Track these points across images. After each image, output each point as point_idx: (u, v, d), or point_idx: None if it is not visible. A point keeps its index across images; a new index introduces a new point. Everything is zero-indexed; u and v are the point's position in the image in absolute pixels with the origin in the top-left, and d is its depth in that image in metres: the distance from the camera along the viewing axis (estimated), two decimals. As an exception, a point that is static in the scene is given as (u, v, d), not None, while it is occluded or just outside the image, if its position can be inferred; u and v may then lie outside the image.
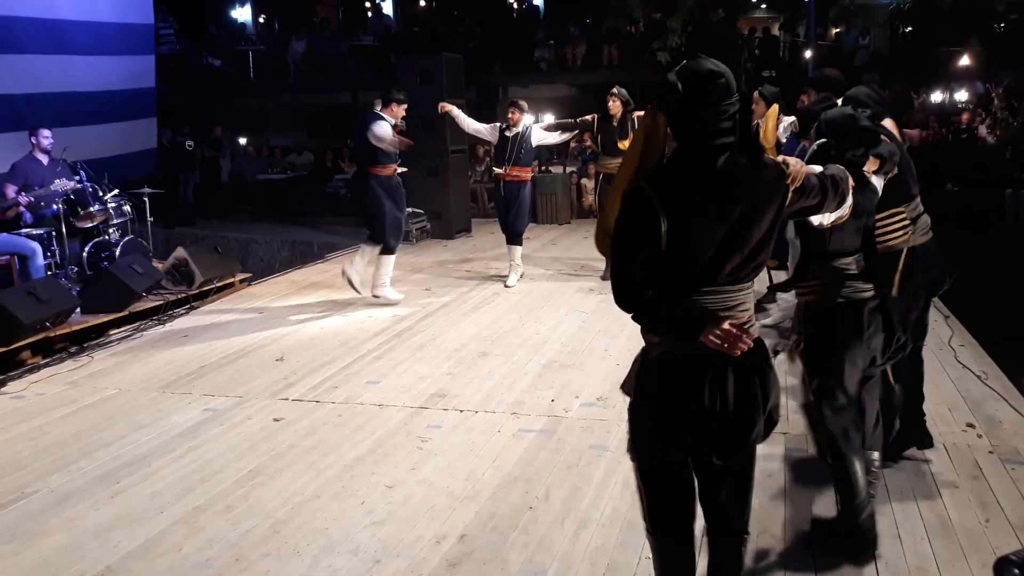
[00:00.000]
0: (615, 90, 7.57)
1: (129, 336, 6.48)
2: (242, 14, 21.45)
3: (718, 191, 2.09)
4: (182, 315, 7.10)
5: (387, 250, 6.97)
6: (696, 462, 2.26)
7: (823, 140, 2.95)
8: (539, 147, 7.86)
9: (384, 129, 6.65)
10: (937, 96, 14.86)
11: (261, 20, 21.97)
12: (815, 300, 3.00)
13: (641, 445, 2.27)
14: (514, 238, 7.75)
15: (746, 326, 2.16)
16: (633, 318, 2.20)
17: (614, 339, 5.82)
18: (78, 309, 6.59)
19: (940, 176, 11.53)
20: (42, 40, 9.59)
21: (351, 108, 17.13)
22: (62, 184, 7.13)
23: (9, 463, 4.08)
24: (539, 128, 7.67)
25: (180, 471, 3.93)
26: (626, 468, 3.77)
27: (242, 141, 17.48)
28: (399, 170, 7.18)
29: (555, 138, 7.91)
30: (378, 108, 6.85)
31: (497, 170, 7.66)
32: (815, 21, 13.52)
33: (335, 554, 3.14)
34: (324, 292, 7.79)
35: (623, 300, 2.18)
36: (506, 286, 7.68)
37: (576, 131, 7.95)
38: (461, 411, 4.58)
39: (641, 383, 2.27)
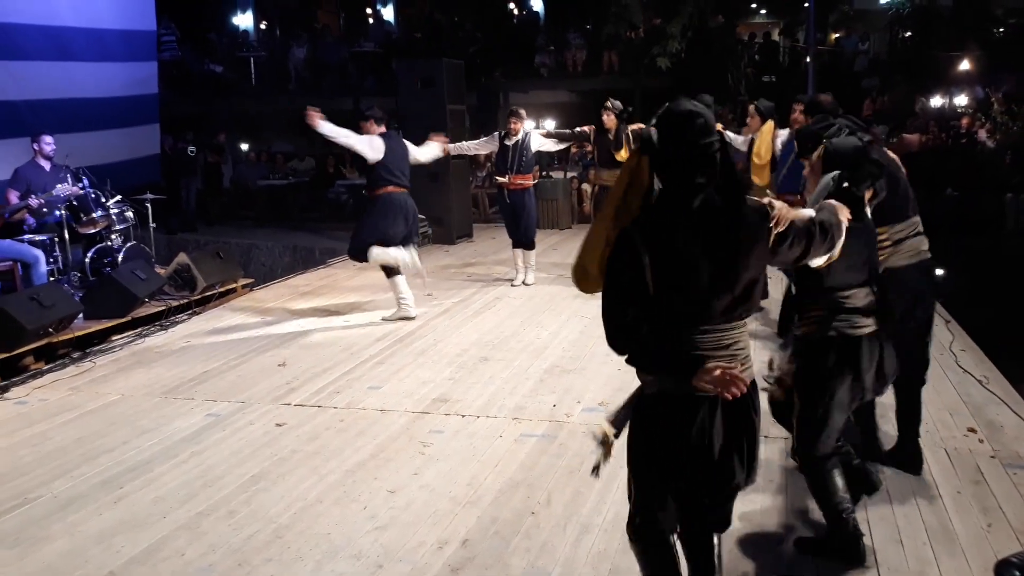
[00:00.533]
0: (609, 103, 7.67)
1: (132, 342, 6.49)
2: (243, 20, 21.50)
3: (700, 230, 2.12)
4: (184, 321, 7.11)
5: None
6: (685, 494, 2.33)
7: (837, 172, 2.86)
8: (538, 153, 7.96)
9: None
10: (937, 101, 14.88)
11: (263, 27, 22.03)
12: (810, 332, 2.99)
13: (636, 474, 2.36)
14: (529, 245, 7.96)
15: (743, 366, 2.21)
16: (627, 360, 2.23)
17: (615, 344, 5.82)
18: (81, 315, 6.61)
19: (940, 181, 11.55)
20: (44, 47, 9.62)
21: (352, 114, 17.16)
22: (65, 190, 7.15)
23: (12, 469, 4.09)
24: (538, 134, 7.76)
25: (182, 476, 3.94)
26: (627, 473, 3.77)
27: (244, 147, 17.52)
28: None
29: (552, 146, 8.02)
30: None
31: (500, 179, 7.73)
32: (815, 26, 13.55)
33: (338, 559, 3.14)
34: (326, 298, 7.80)
35: (615, 341, 2.21)
36: (525, 284, 7.93)
37: (572, 141, 8.09)
38: (463, 416, 4.59)
39: (637, 418, 2.32)
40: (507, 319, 6.70)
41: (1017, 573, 1.34)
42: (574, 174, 12.89)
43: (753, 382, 2.25)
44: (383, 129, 6.56)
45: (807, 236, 2.31)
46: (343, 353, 5.90)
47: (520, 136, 7.56)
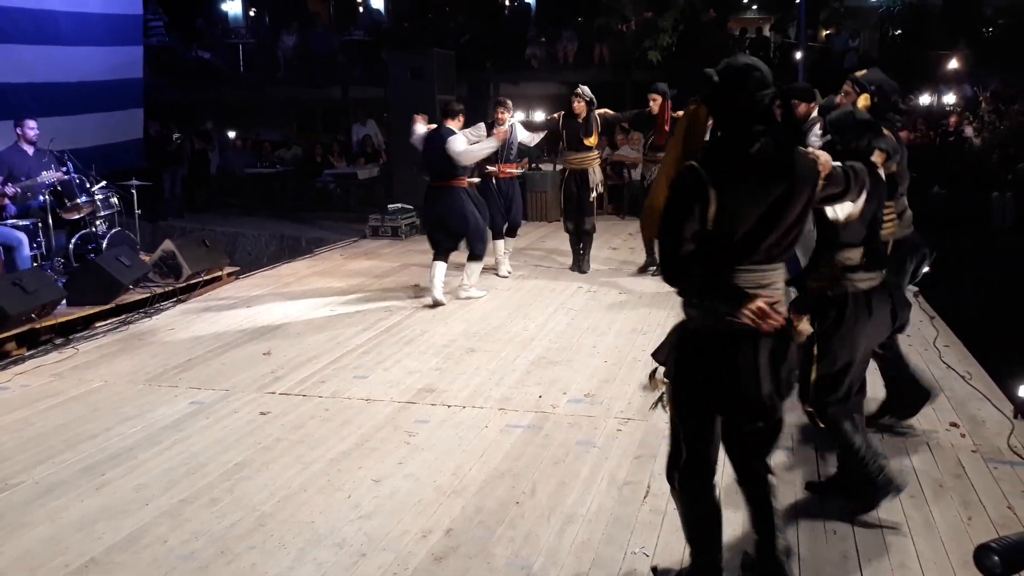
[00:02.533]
0: (579, 90, 7.82)
1: (115, 328, 6.44)
2: (232, 7, 21.32)
3: (759, 173, 2.35)
4: (169, 308, 7.06)
5: (476, 257, 7.03)
6: (727, 424, 2.54)
7: (828, 138, 3.19)
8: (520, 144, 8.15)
9: (459, 143, 6.69)
10: (925, 99, 14.95)
11: (252, 13, 21.85)
12: (822, 288, 3.16)
13: (680, 407, 2.54)
14: (514, 230, 8.12)
15: (776, 304, 2.39)
16: (678, 292, 2.45)
17: (602, 336, 5.83)
18: (64, 301, 6.55)
19: (927, 178, 11.60)
20: (28, 30, 9.51)
21: (341, 103, 17.05)
22: (48, 175, 7.08)
23: (-8, 454, 4.05)
24: (520, 127, 7.89)
25: (165, 464, 3.91)
26: (612, 464, 3.79)
27: (231, 135, 17.38)
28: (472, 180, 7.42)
29: (531, 139, 8.16)
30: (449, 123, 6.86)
31: (491, 168, 7.78)
32: (805, 23, 13.56)
33: (321, 547, 3.13)
34: (312, 287, 7.77)
35: (672, 274, 2.41)
36: (508, 273, 8.01)
37: (544, 131, 8.21)
38: (449, 406, 4.58)
39: (680, 353, 2.52)
40: (494, 310, 6.69)
41: (996, 558, 1.35)
42: (563, 166, 12.84)
43: (788, 316, 2.45)
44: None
45: (846, 181, 2.59)
46: (329, 342, 5.88)
47: (507, 126, 7.59)
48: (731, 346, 2.39)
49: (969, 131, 12.16)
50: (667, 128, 7.60)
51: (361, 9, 20.41)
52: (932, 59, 15.55)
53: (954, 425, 4.16)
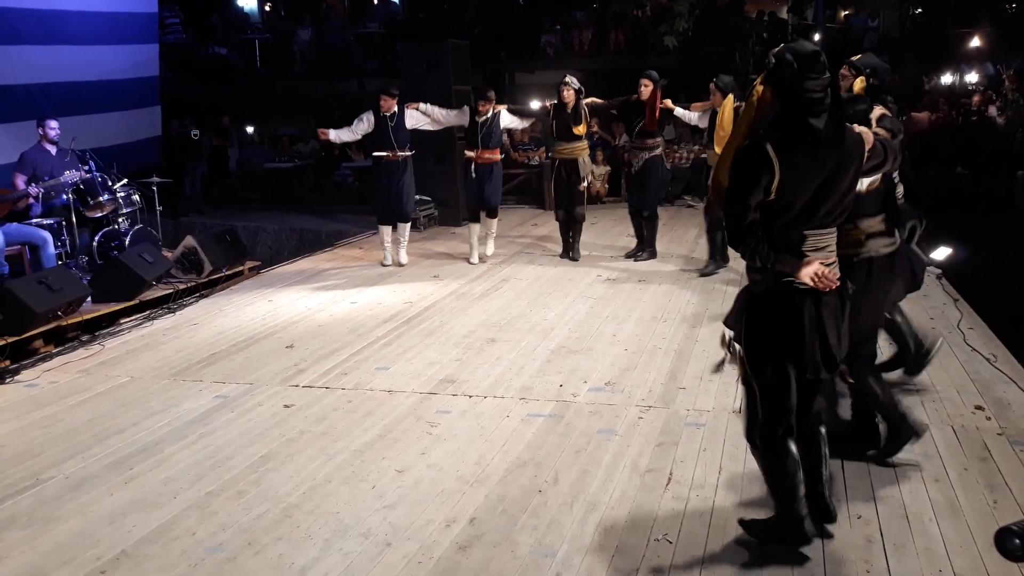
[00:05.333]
0: (568, 79, 7.94)
1: (140, 324, 6.52)
2: (247, 2, 21.39)
3: (818, 147, 2.61)
4: (192, 303, 7.14)
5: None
6: (798, 378, 2.76)
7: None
8: (506, 130, 8.58)
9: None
10: (947, 78, 14.71)
11: (267, 8, 21.91)
12: (848, 255, 3.27)
13: (756, 365, 2.77)
14: (493, 211, 8.23)
15: (831, 265, 2.68)
16: (742, 254, 2.70)
17: (622, 324, 5.83)
18: (89, 298, 6.64)
19: (950, 159, 11.44)
20: (40, 31, 9.59)
21: (358, 96, 17.07)
22: (71, 175, 7.16)
23: (24, 450, 4.13)
24: (506, 113, 8.10)
25: (192, 457, 3.97)
26: (634, 452, 3.79)
27: (249, 130, 17.47)
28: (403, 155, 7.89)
29: (518, 123, 8.51)
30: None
31: (469, 153, 8.04)
32: (823, 3, 13.41)
33: (347, 537, 3.17)
34: (333, 279, 7.81)
35: (736, 239, 2.68)
36: (484, 257, 8.26)
37: (533, 118, 8.45)
38: (470, 396, 4.60)
39: (750, 314, 2.78)
40: (513, 300, 6.71)
41: (1017, 541, 1.34)
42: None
43: (842, 276, 2.73)
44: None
45: (884, 153, 2.87)
46: (350, 334, 5.92)
47: (489, 115, 7.90)
48: (794, 305, 2.67)
49: (993, 110, 11.96)
50: (656, 115, 7.60)
51: (376, 1, 20.39)
52: (953, 38, 15.29)
53: (979, 408, 4.12)
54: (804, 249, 2.64)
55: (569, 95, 7.79)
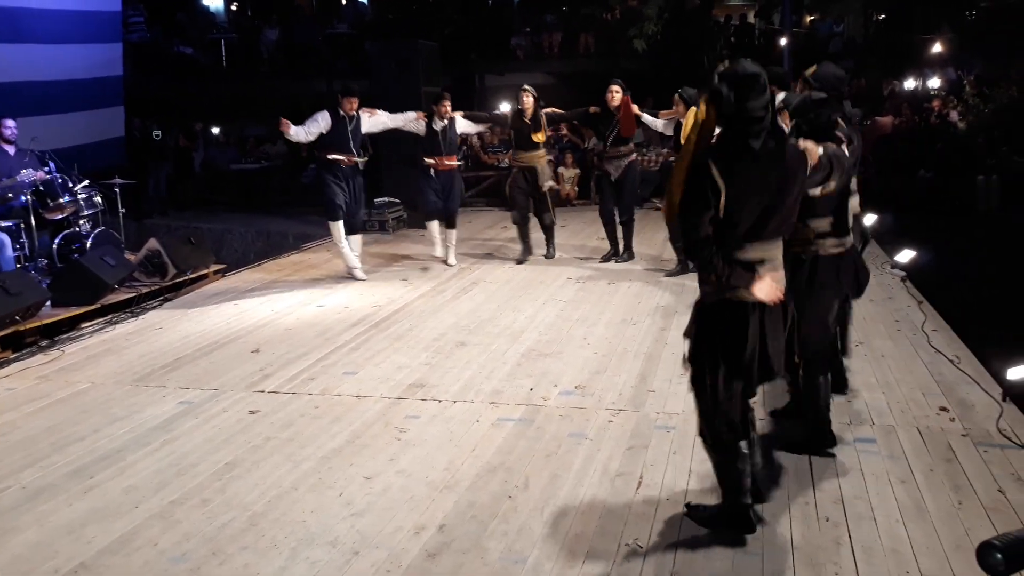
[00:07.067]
0: (527, 87, 8.03)
1: (101, 329, 6.38)
2: (213, 2, 21.11)
3: (760, 165, 2.70)
4: (155, 307, 7.01)
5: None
6: (745, 384, 2.89)
7: (795, 122, 3.52)
8: (463, 135, 8.53)
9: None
10: (910, 83, 14.98)
11: (233, 7, 21.65)
12: (796, 252, 3.46)
13: (704, 372, 2.88)
14: (452, 222, 8.22)
15: (779, 280, 2.79)
16: (697, 268, 2.86)
17: (592, 327, 5.83)
18: (49, 302, 6.49)
19: (913, 162, 11.64)
20: (3, 29, 9.37)
21: (326, 96, 16.91)
22: (30, 175, 6.99)
23: (-21, 459, 4.00)
24: (460, 118, 8.04)
25: (155, 465, 3.88)
26: (605, 456, 3.78)
27: (215, 131, 17.23)
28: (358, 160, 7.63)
29: (472, 128, 8.51)
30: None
31: (429, 160, 7.93)
32: (790, 8, 13.57)
33: (314, 546, 3.11)
34: (300, 283, 7.72)
35: (691, 252, 2.84)
36: (448, 264, 8.16)
37: (488, 123, 8.57)
38: (439, 401, 4.56)
39: (700, 324, 2.90)
40: (484, 303, 6.68)
41: (999, 556, 1.34)
42: (550, 158, 12.81)
43: (786, 289, 2.86)
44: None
45: (829, 166, 2.97)
46: (318, 339, 5.85)
47: (446, 121, 7.84)
48: (741, 316, 2.78)
49: (954, 115, 12.20)
50: (631, 120, 7.62)
51: (344, 2, 20.24)
52: (916, 43, 15.59)
53: (943, 409, 4.18)
54: (753, 259, 2.75)
55: (528, 102, 7.84)
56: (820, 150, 2.93)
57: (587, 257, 8.28)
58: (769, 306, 2.78)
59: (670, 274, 7.36)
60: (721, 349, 2.83)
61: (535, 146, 7.94)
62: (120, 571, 3.01)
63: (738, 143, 2.70)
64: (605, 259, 8.11)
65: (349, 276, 7.73)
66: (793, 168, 2.78)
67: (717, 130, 2.81)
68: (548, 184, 8.07)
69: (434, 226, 8.19)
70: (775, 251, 2.81)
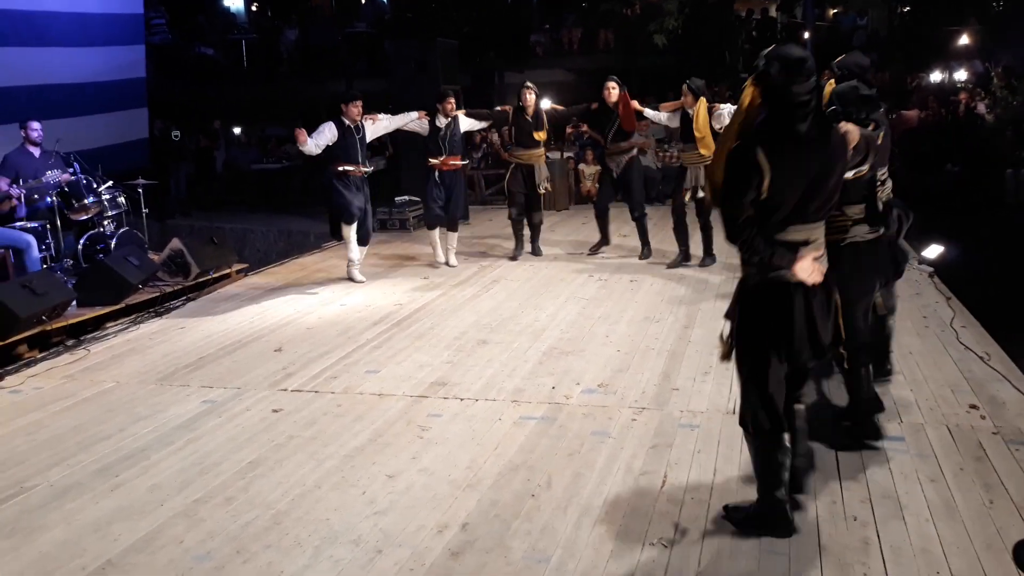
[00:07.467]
0: (529, 84, 8.04)
1: (126, 329, 6.44)
2: (233, 3, 21.27)
3: (806, 150, 2.73)
4: (179, 307, 7.06)
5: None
6: (790, 366, 2.89)
7: (832, 107, 3.53)
8: (466, 133, 8.47)
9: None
10: (936, 76, 14.76)
11: (253, 8, 21.79)
12: (835, 240, 3.41)
13: (749, 355, 2.89)
14: (455, 225, 8.12)
15: (820, 258, 2.81)
16: (739, 249, 2.81)
17: (614, 325, 5.79)
18: (74, 302, 6.55)
19: (940, 156, 11.47)
20: (24, 33, 9.50)
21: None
22: (55, 176, 7.07)
23: (7, 458, 4.05)
24: (463, 116, 8.01)
25: (179, 464, 3.90)
26: (628, 455, 3.75)
27: (236, 131, 17.35)
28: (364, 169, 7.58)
29: (476, 125, 8.43)
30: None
31: (433, 160, 7.85)
32: (812, 2, 13.43)
33: (337, 544, 3.11)
34: (322, 282, 7.75)
35: (733, 235, 2.77)
36: (449, 265, 8.08)
37: (490, 120, 8.44)
38: (461, 399, 4.55)
39: (743, 307, 2.90)
40: (505, 301, 6.66)
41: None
42: (571, 154, 12.78)
43: (827, 271, 2.87)
44: None
45: (865, 148, 3.09)
46: (340, 337, 5.86)
47: (450, 119, 7.78)
48: (785, 297, 2.79)
49: (982, 108, 12.00)
50: (632, 116, 7.60)
51: (363, 1, 20.30)
52: (942, 36, 15.35)
53: (973, 407, 4.10)
54: (794, 241, 2.75)
55: (530, 99, 7.82)
56: (858, 132, 3.01)
57: (608, 255, 8.24)
58: (813, 289, 2.79)
59: (671, 265, 7.44)
60: (766, 331, 2.84)
61: (536, 144, 7.93)
62: (146, 569, 3.02)
63: (784, 127, 2.71)
64: (593, 251, 8.21)
65: (348, 279, 7.68)
66: (836, 152, 2.82)
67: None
68: (544, 186, 8.10)
69: (435, 233, 8.11)
70: (817, 232, 2.82)
